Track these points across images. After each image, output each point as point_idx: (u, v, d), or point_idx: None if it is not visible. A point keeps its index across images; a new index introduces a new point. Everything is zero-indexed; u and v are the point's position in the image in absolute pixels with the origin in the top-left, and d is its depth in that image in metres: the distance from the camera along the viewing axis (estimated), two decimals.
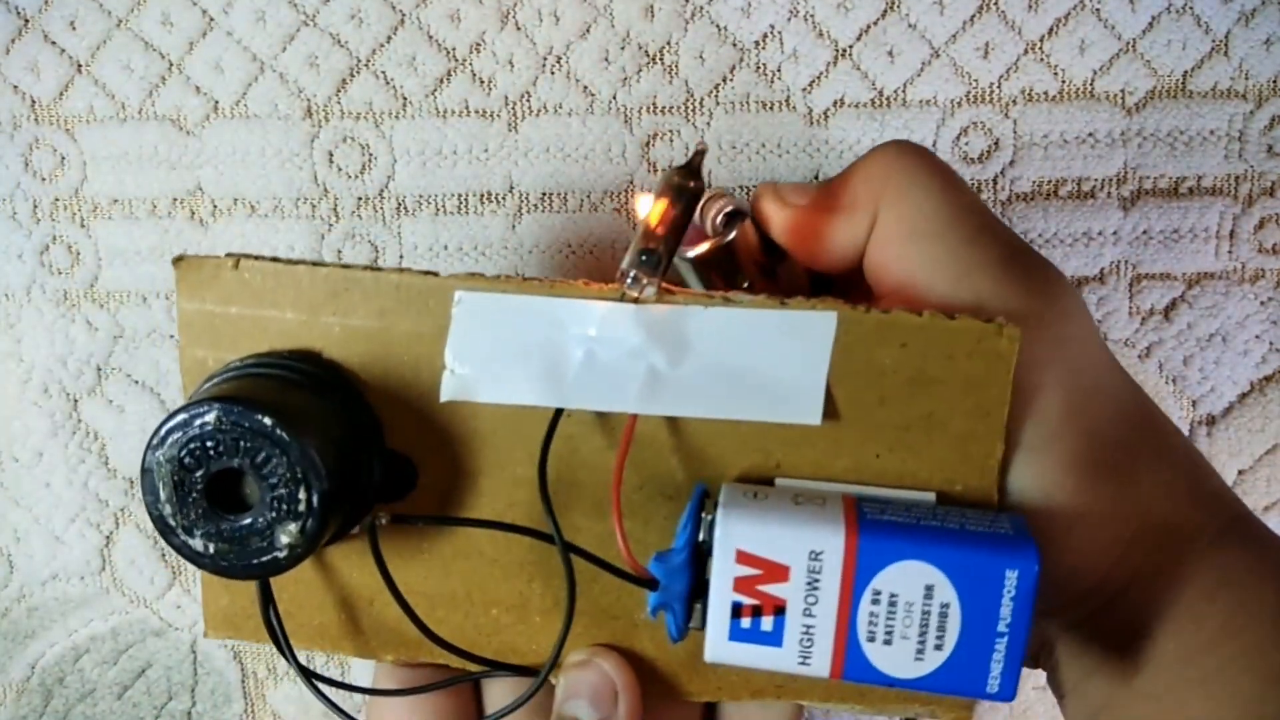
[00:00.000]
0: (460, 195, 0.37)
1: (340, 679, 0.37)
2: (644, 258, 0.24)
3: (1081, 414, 0.24)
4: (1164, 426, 0.27)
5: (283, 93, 0.36)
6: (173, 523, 0.24)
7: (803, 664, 0.23)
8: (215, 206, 0.37)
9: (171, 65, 0.36)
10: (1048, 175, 0.36)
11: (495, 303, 0.25)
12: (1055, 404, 0.24)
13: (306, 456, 0.23)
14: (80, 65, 0.36)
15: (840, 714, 0.40)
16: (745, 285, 0.28)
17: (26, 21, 0.36)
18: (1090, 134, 0.36)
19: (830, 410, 0.25)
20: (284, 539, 0.23)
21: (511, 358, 0.25)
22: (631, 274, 0.25)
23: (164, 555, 0.39)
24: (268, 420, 0.23)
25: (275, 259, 0.26)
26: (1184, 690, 0.24)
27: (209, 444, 0.23)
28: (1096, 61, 0.36)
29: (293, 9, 0.36)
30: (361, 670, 0.40)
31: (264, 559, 0.24)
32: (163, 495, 0.23)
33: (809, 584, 0.23)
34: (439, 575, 0.27)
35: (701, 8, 0.36)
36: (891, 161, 0.27)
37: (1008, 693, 0.23)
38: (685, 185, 0.25)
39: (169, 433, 0.23)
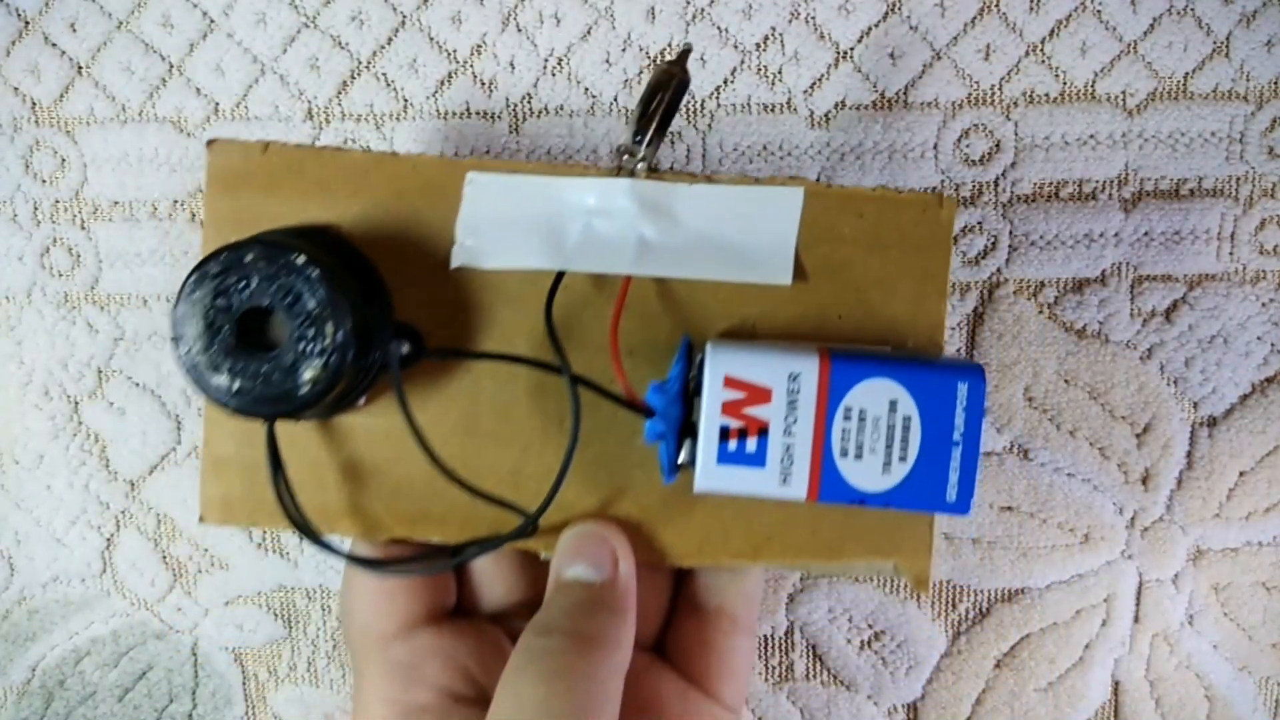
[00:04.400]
0: None
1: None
2: (637, 138, 0.27)
3: None
4: None
5: (284, 95, 0.36)
6: (200, 359, 0.25)
7: (783, 483, 0.26)
8: None
9: (172, 67, 0.36)
10: (1049, 177, 0.36)
11: (503, 182, 0.28)
12: None
13: (333, 295, 0.25)
14: (81, 67, 0.36)
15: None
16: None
17: (27, 24, 0.36)
18: (1091, 136, 0.36)
19: (799, 273, 0.28)
20: (307, 374, 0.25)
21: (517, 230, 0.28)
22: (626, 152, 0.28)
23: (165, 558, 0.39)
24: (300, 259, 0.25)
25: (300, 145, 0.28)
26: None
27: (243, 281, 0.25)
28: (1098, 63, 0.36)
29: (294, 11, 0.36)
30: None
31: (286, 393, 0.25)
32: (192, 331, 0.25)
33: (789, 404, 0.26)
34: (437, 447, 0.28)
35: (703, 10, 0.35)
36: None
37: (964, 503, 0.26)
38: (674, 74, 0.28)
39: (206, 271, 0.25)
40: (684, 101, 0.27)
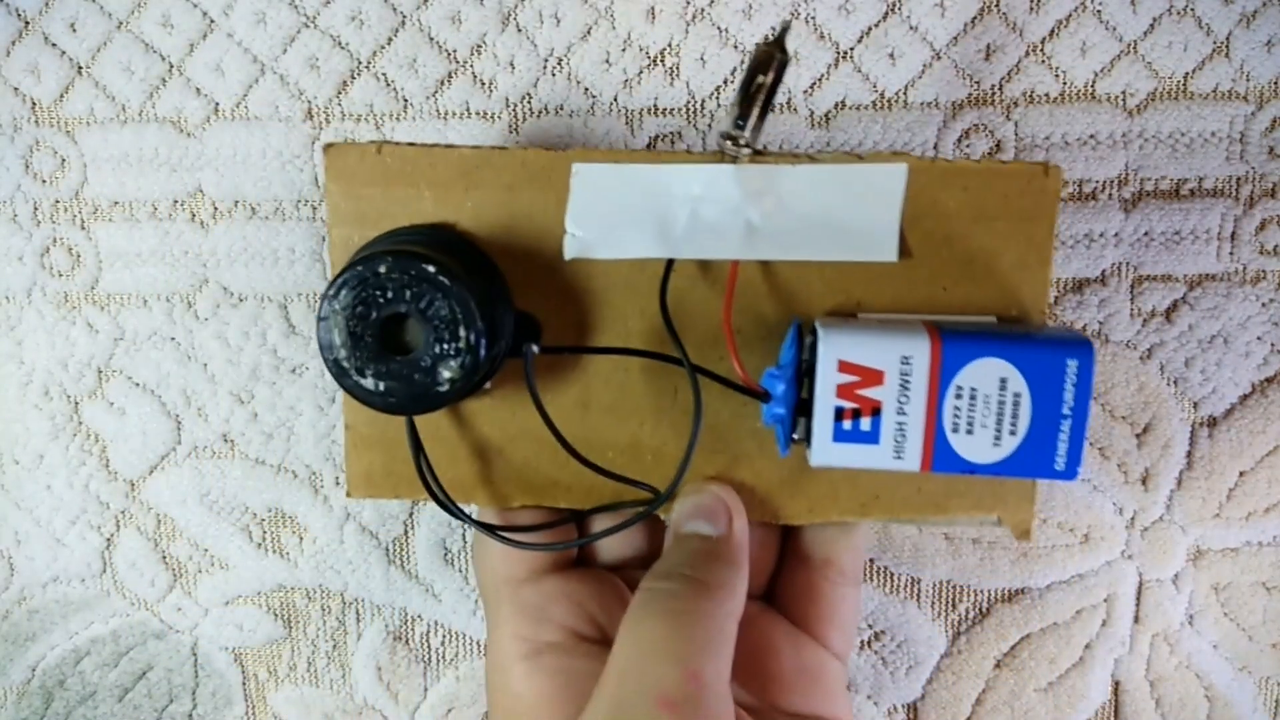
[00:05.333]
0: None
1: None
2: (739, 123, 0.27)
3: None
4: None
5: (283, 95, 0.36)
6: (347, 365, 0.27)
7: (897, 458, 0.27)
8: (216, 209, 0.37)
9: (172, 67, 0.36)
10: None
11: (609, 172, 0.28)
12: None
13: (464, 300, 0.26)
14: (81, 67, 0.36)
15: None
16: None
17: (27, 24, 0.36)
18: (1092, 135, 0.36)
19: (904, 250, 0.28)
20: (445, 374, 0.27)
21: (625, 219, 0.29)
22: (729, 138, 0.28)
23: (164, 558, 0.39)
24: (432, 268, 0.26)
25: (413, 144, 0.29)
26: None
27: (379, 291, 0.26)
28: (1098, 63, 0.36)
29: (293, 11, 0.36)
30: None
31: (428, 393, 0.27)
32: (338, 340, 0.27)
33: (901, 385, 0.26)
34: (560, 423, 0.29)
35: (703, 10, 0.35)
36: None
37: (1072, 470, 0.27)
38: (773, 55, 0.27)
39: (345, 284, 0.26)
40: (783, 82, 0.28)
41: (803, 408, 0.28)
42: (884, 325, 0.27)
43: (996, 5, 0.35)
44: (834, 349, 0.27)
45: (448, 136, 0.36)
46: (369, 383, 0.27)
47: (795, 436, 0.28)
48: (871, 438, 0.27)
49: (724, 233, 0.28)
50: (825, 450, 0.27)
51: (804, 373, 0.28)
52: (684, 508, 0.30)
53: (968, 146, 0.36)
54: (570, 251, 0.29)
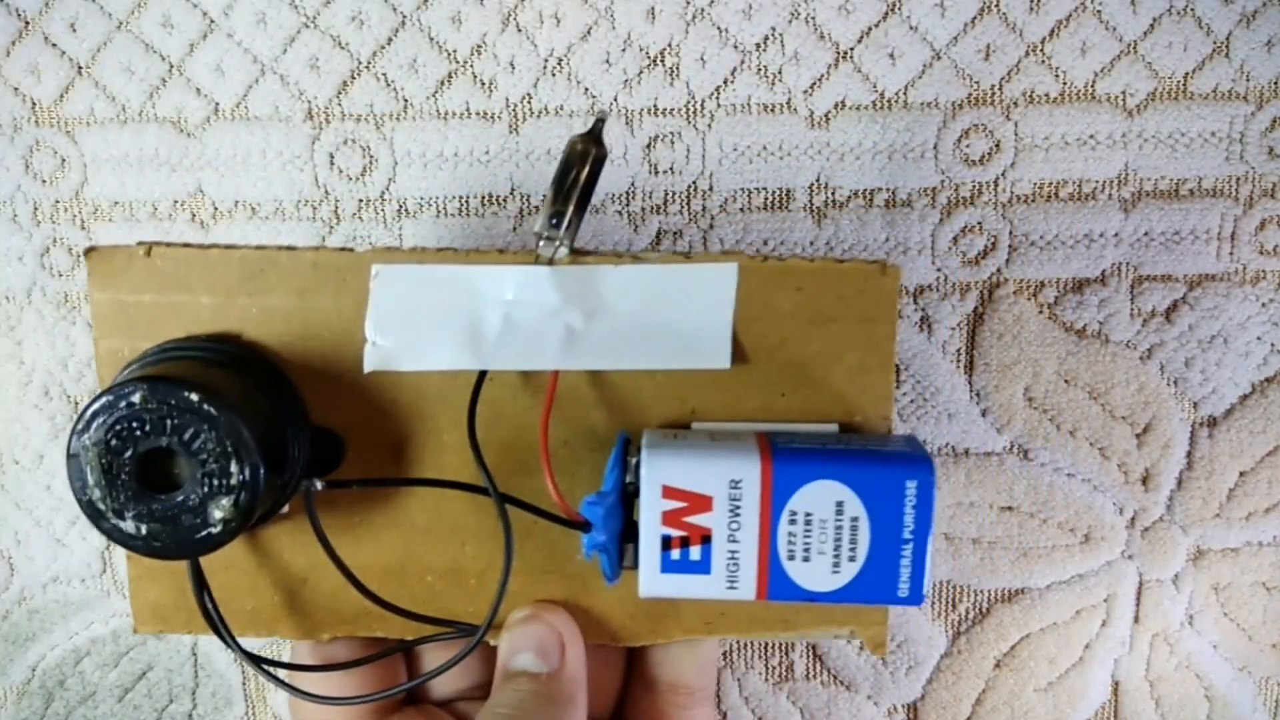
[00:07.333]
0: (462, 198, 0.37)
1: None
2: (554, 221, 0.25)
3: None
4: None
5: (284, 95, 0.36)
6: (102, 507, 0.24)
7: (731, 588, 0.25)
8: (216, 209, 0.37)
9: (172, 67, 0.36)
10: (1049, 177, 0.36)
11: (412, 274, 0.26)
12: None
13: (235, 430, 0.23)
14: (81, 67, 0.36)
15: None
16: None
17: (27, 24, 0.36)
18: (1091, 136, 0.36)
19: (738, 355, 0.27)
20: (217, 514, 0.24)
21: (432, 326, 0.26)
22: (543, 237, 0.26)
23: None
24: (194, 396, 0.23)
25: (188, 244, 0.26)
26: None
27: (136, 424, 0.23)
28: (1097, 63, 0.36)
29: (294, 11, 0.36)
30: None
31: (198, 536, 0.24)
32: (91, 479, 0.23)
33: (731, 511, 0.25)
34: (372, 548, 0.27)
35: (703, 10, 0.36)
36: None
37: (917, 596, 0.25)
38: (589, 150, 0.26)
39: (95, 416, 0.23)
40: (601, 174, 0.26)
41: (631, 532, 0.26)
42: (714, 442, 0.26)
43: (996, 5, 0.35)
44: (658, 473, 0.25)
45: (448, 137, 0.36)
46: (129, 526, 0.24)
47: (625, 565, 0.26)
48: (702, 567, 0.25)
49: (541, 340, 0.26)
50: (654, 581, 0.25)
51: (631, 494, 0.26)
52: (512, 640, 0.27)
53: (967, 146, 0.36)
54: (371, 363, 0.26)
